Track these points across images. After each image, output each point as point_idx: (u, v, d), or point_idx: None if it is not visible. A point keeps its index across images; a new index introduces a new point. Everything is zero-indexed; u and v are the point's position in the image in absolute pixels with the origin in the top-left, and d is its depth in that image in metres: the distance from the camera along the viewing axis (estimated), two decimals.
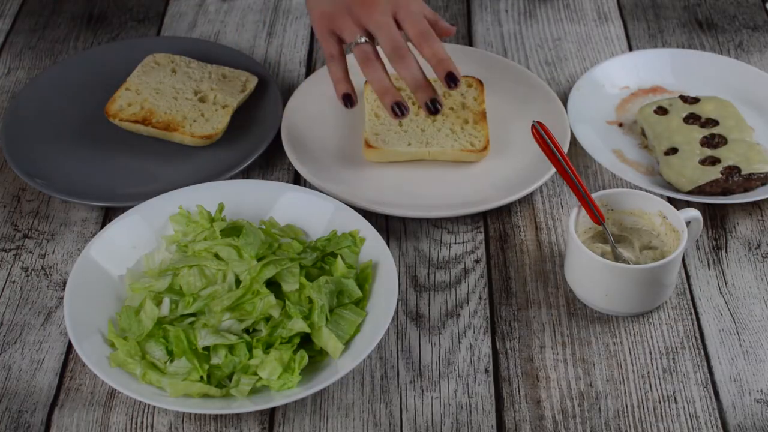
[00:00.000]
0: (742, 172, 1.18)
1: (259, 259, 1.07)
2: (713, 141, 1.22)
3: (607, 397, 1.02)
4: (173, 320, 1.04)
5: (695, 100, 1.28)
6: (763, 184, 1.20)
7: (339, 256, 1.09)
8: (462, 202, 1.19)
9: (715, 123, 1.24)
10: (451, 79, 1.15)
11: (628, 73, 1.35)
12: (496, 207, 1.18)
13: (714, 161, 1.20)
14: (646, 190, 1.17)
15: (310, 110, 1.30)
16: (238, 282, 1.05)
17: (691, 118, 1.25)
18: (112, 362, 1.01)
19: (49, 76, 1.36)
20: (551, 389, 1.03)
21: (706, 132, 1.23)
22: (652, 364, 1.05)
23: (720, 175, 1.18)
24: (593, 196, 1.09)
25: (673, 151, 1.22)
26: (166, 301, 1.05)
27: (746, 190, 1.19)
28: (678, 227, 1.08)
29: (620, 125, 1.29)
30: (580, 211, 1.10)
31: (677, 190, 1.19)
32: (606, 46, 1.43)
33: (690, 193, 1.18)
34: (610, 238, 1.09)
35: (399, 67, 1.16)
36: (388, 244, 1.15)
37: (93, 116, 1.30)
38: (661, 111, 1.27)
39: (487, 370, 1.05)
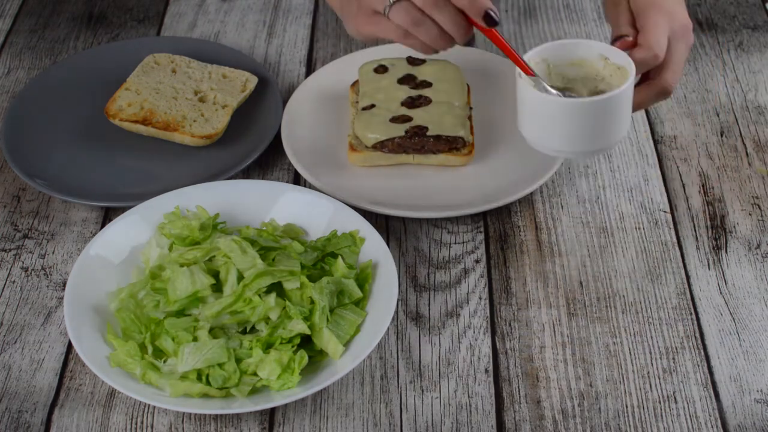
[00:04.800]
0: (428, 133, 1.18)
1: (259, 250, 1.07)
2: (416, 101, 1.21)
3: (607, 397, 1.03)
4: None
5: (421, 62, 1.27)
6: (456, 148, 1.20)
7: (339, 257, 1.09)
8: (462, 202, 1.19)
9: (429, 85, 1.23)
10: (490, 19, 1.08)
11: None
12: (496, 207, 1.18)
13: (406, 119, 1.20)
14: None
15: (310, 110, 1.30)
16: (240, 277, 1.05)
17: (406, 80, 1.25)
18: (112, 362, 1.01)
19: (49, 76, 1.36)
20: (551, 389, 1.03)
21: (413, 93, 1.22)
22: (652, 364, 1.05)
23: (403, 133, 1.19)
24: (532, 51, 1.09)
25: (370, 107, 1.22)
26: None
27: (438, 152, 1.20)
28: (622, 63, 1.08)
29: None
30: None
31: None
32: None
33: (374, 148, 1.19)
34: (544, 82, 1.08)
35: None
36: (388, 244, 1.15)
37: (93, 116, 1.30)
38: (382, 70, 1.27)
39: (487, 370, 1.05)
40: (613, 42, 1.11)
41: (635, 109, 1.11)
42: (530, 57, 1.10)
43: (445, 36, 1.10)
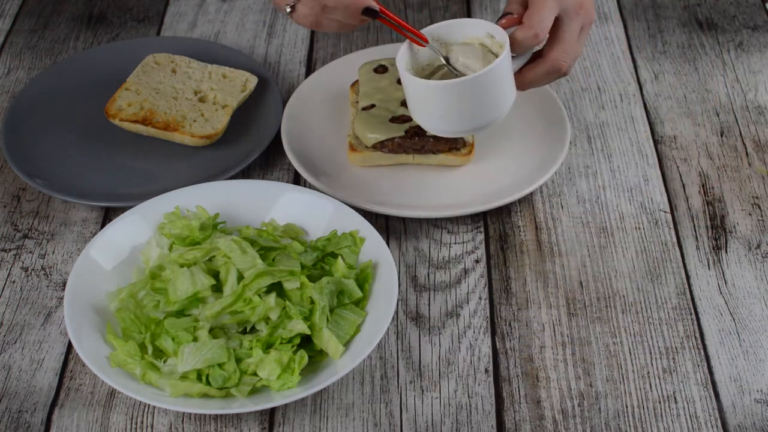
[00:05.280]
0: (428, 133, 1.19)
1: (259, 251, 1.07)
2: None
3: (607, 397, 1.03)
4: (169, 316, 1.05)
5: None
6: (456, 148, 1.21)
7: (339, 257, 1.09)
8: (462, 202, 1.19)
9: None
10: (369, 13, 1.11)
11: None
12: (496, 207, 1.18)
13: (406, 119, 1.21)
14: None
15: (310, 110, 1.30)
16: (240, 277, 1.05)
17: None
18: (112, 362, 1.01)
19: (49, 76, 1.36)
20: (551, 389, 1.03)
21: None
22: (652, 364, 1.05)
23: (403, 134, 1.20)
24: (424, 30, 1.11)
25: (370, 107, 1.23)
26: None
27: (438, 152, 1.20)
28: (503, 41, 1.09)
29: None
30: (410, 47, 1.11)
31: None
32: (606, 46, 1.44)
33: (374, 148, 1.20)
34: (440, 53, 1.10)
35: None
36: (388, 244, 1.15)
37: (93, 116, 1.30)
38: (382, 70, 1.28)
39: (487, 370, 1.05)
40: (500, 19, 1.12)
41: (527, 86, 1.13)
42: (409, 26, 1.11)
43: (346, 24, 1.13)
